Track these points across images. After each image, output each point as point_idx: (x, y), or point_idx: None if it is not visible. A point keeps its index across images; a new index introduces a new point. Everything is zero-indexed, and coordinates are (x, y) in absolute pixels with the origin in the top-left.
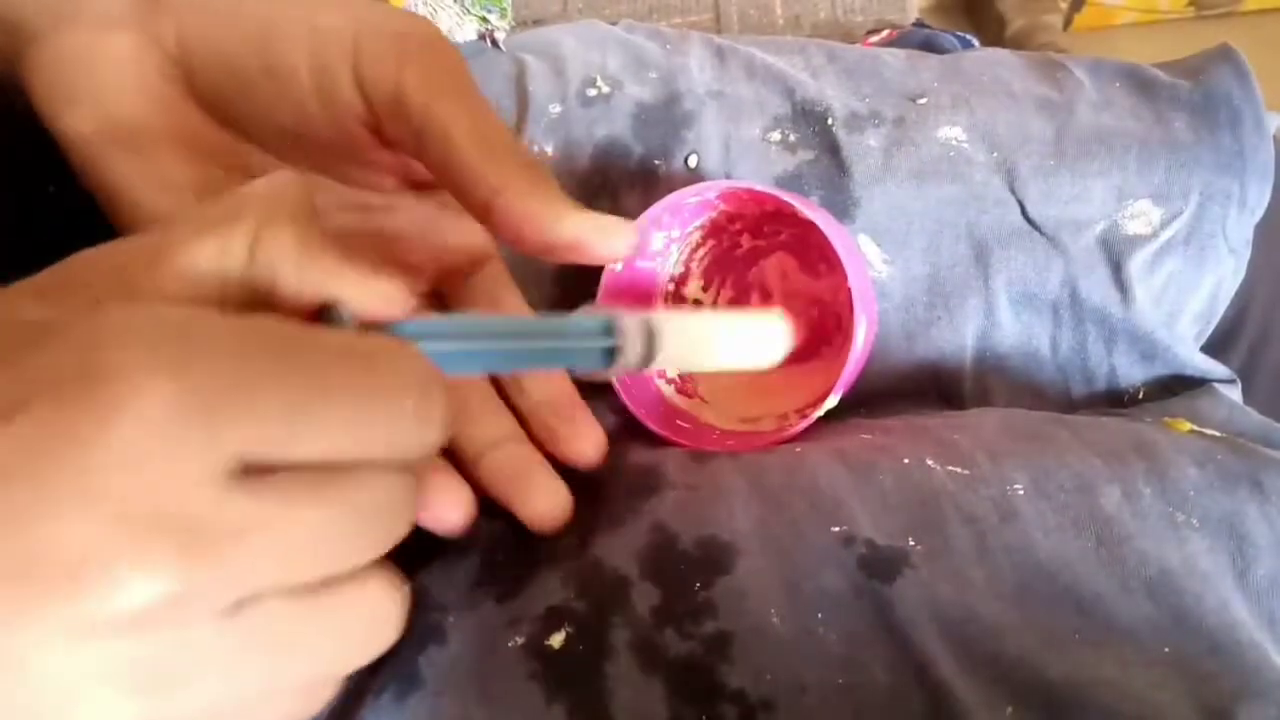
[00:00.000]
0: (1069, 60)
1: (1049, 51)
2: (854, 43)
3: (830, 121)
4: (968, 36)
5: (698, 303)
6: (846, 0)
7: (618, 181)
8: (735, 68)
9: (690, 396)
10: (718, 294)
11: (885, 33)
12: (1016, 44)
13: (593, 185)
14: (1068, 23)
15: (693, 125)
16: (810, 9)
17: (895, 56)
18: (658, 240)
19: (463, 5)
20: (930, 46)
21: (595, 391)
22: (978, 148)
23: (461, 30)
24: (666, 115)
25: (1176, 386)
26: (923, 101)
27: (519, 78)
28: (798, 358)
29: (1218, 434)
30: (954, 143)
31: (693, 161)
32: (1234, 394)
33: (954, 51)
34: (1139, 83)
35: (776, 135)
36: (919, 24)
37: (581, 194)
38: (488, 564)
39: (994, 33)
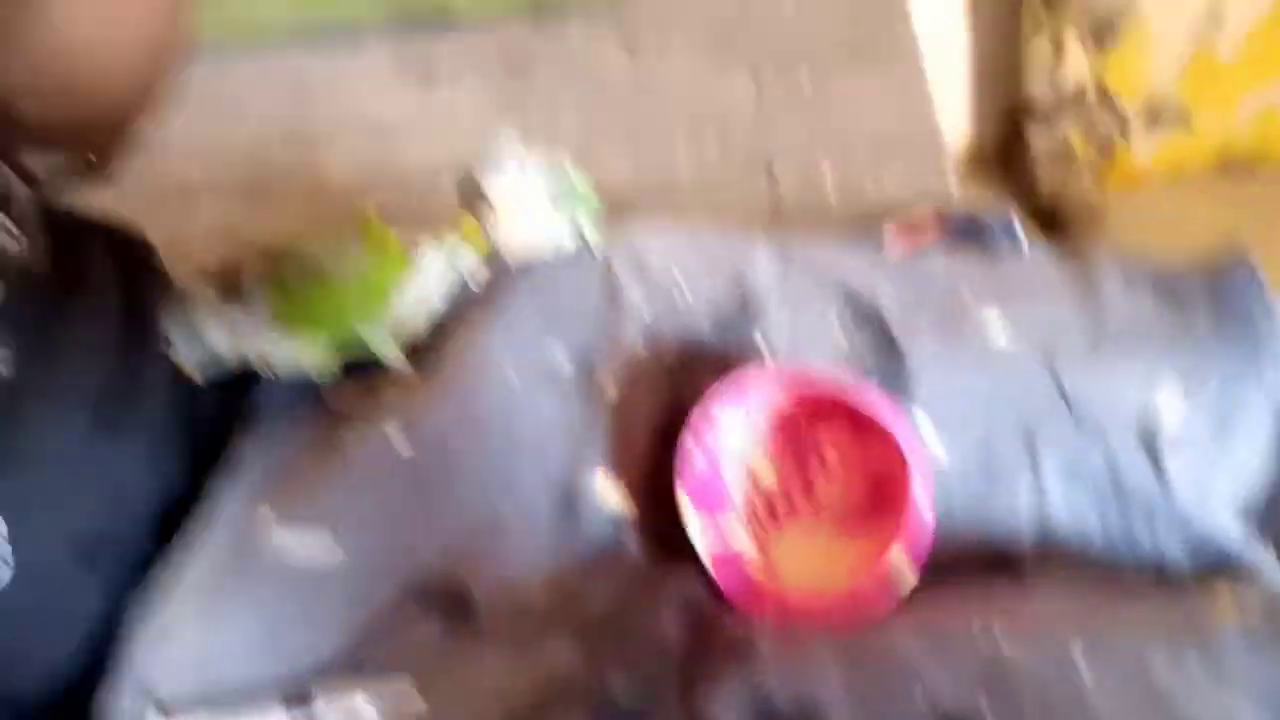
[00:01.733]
0: (1101, 264)
1: (1080, 215)
2: (902, 219)
3: (884, 312)
4: (1010, 220)
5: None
6: (892, 178)
7: (701, 373)
8: (797, 269)
9: (769, 567)
10: (780, 464)
11: (929, 211)
12: (1050, 204)
13: (679, 377)
14: (1098, 182)
15: (762, 320)
16: (858, 189)
17: (940, 255)
18: (727, 417)
19: (555, 205)
20: (973, 226)
21: (683, 560)
22: (1021, 340)
23: (550, 232)
24: (739, 313)
25: (1219, 561)
26: (969, 295)
27: (608, 278)
28: (857, 526)
29: (1260, 605)
30: (999, 335)
31: (763, 349)
32: (1273, 563)
33: (994, 231)
34: (1164, 286)
35: (836, 325)
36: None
37: (669, 383)
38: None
39: (1027, 193)
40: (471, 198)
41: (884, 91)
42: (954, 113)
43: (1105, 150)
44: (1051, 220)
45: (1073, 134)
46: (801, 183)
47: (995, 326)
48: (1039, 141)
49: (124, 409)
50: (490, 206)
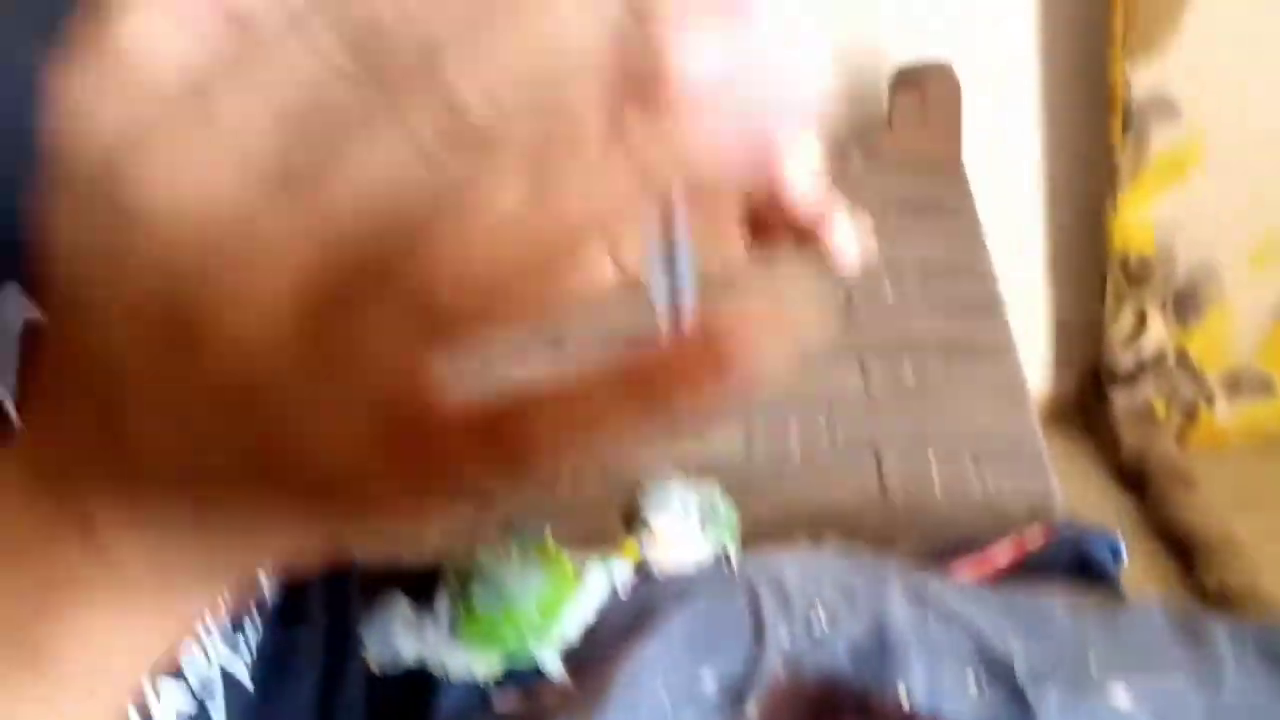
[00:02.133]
0: (1211, 624)
1: (1163, 475)
2: (1006, 534)
3: (1015, 672)
4: (1115, 540)
5: None
6: (997, 483)
7: (841, 708)
8: (932, 615)
9: None
10: None
11: (1041, 531)
12: (1132, 460)
13: (820, 711)
14: (1181, 439)
15: (900, 664)
16: (964, 494)
17: (1062, 609)
18: None
19: (703, 528)
20: (1082, 555)
21: None
22: (1140, 711)
23: (699, 552)
24: (877, 652)
25: None
26: (1091, 661)
27: (753, 604)
28: None
29: None
30: (1123, 701)
31: (903, 697)
32: None
33: (1103, 559)
34: (1274, 654)
35: (971, 679)
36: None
37: (810, 715)
38: None
39: (1110, 452)
40: (633, 520)
41: (984, 387)
42: (1037, 370)
43: (1188, 414)
44: (1135, 478)
45: (1155, 397)
46: (907, 473)
47: (1120, 696)
48: (1121, 402)
49: (334, 713)
50: (650, 530)
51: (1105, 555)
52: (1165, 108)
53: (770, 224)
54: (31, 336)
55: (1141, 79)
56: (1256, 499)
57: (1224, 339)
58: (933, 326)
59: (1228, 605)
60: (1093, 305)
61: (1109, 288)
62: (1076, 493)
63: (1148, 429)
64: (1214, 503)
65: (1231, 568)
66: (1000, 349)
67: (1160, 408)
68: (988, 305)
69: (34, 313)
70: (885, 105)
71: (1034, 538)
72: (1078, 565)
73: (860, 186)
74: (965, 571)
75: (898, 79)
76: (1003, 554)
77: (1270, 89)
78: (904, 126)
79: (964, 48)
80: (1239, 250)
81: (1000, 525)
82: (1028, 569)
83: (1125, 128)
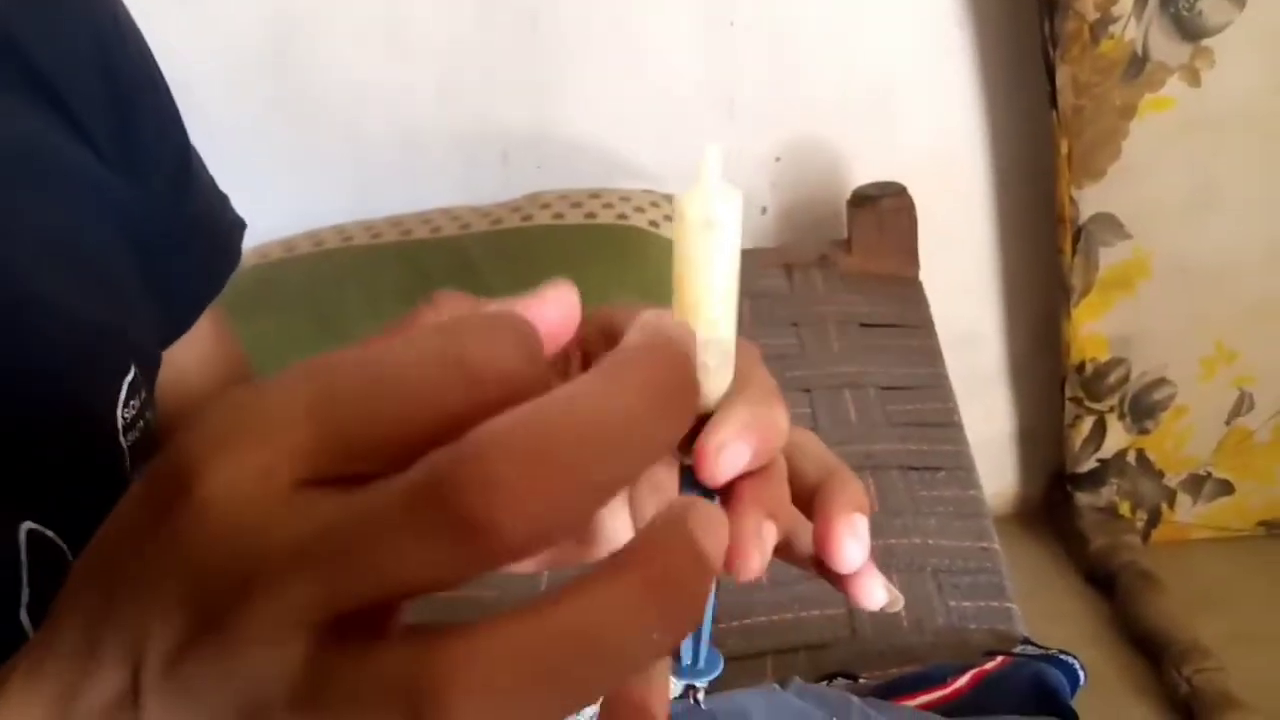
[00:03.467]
0: None
1: (1128, 574)
2: (969, 659)
3: None
4: (1074, 663)
5: None
6: (960, 608)
7: None
8: None
9: None
10: None
11: (999, 659)
12: (1099, 561)
13: None
14: (1145, 537)
15: None
16: (930, 614)
17: None
18: None
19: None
20: (1040, 680)
21: None
22: None
23: (674, 687)
24: None
25: None
26: None
27: None
28: None
29: None
30: None
31: None
32: None
33: (1058, 686)
34: None
35: None
36: (1026, 641)
37: None
38: None
39: (1078, 550)
40: None
41: (945, 506)
42: (1003, 475)
43: (1151, 514)
44: (1102, 578)
45: (1118, 498)
46: None
47: None
48: (1085, 503)
49: None
50: None
51: (1060, 682)
52: (1112, 226)
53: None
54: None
55: (1088, 200)
56: (1221, 598)
57: (1181, 443)
58: (893, 446)
59: (1198, 707)
60: (1054, 411)
61: (1067, 395)
62: (1046, 594)
63: (1113, 529)
64: (1180, 603)
65: (1199, 669)
66: (960, 467)
67: (1124, 508)
68: (946, 424)
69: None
70: (845, 228)
71: (994, 664)
72: (1035, 689)
73: (822, 305)
74: (927, 698)
75: (854, 200)
76: (963, 681)
77: (1207, 208)
78: (862, 247)
79: (920, 173)
80: (1189, 358)
81: (962, 650)
82: (987, 689)
83: (1075, 245)
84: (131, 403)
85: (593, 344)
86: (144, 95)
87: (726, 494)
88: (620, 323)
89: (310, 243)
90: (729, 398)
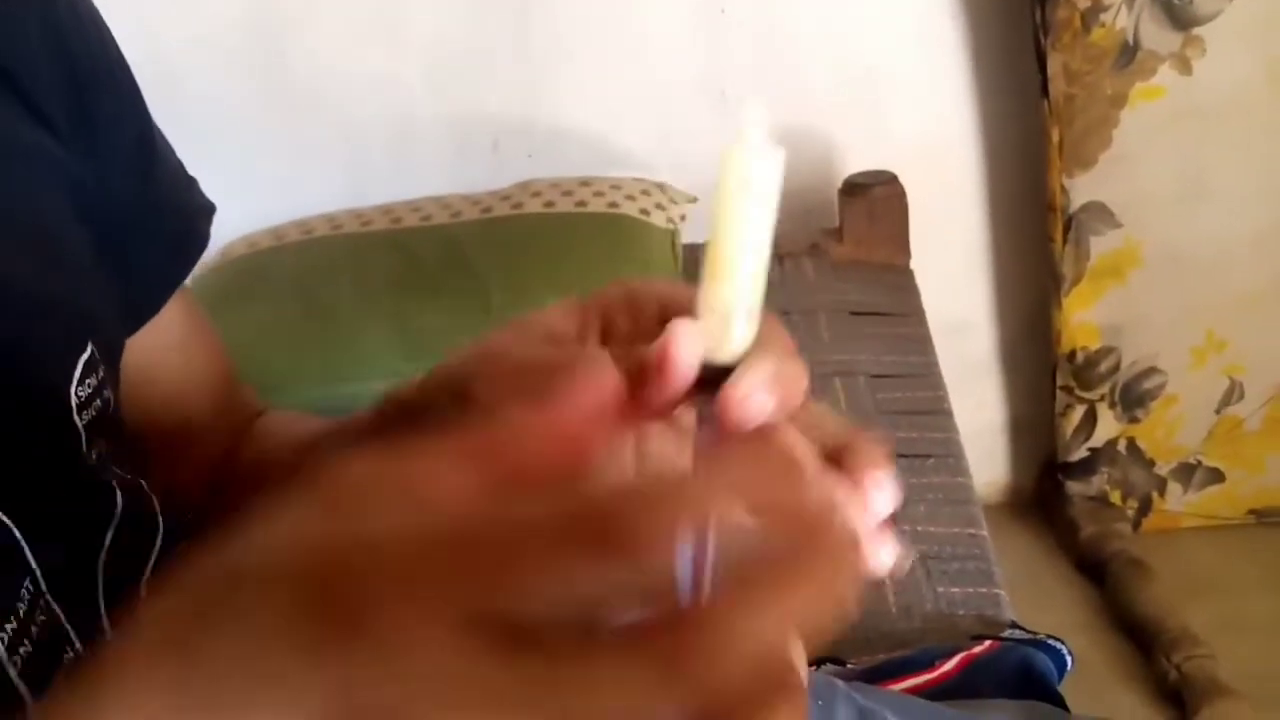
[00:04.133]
0: None
1: (1119, 562)
2: (958, 641)
3: None
4: (1061, 648)
5: None
6: (948, 594)
7: None
8: None
9: None
10: None
11: (987, 643)
12: (1090, 549)
13: None
14: (1136, 525)
15: None
16: (919, 600)
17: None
18: None
19: None
20: (1027, 665)
21: None
22: None
23: None
24: None
25: None
26: None
27: None
28: None
29: None
30: None
31: None
32: None
33: (1045, 670)
34: None
35: None
36: (1014, 625)
37: None
38: None
39: (1069, 538)
40: None
41: (934, 493)
42: (994, 464)
43: (1142, 502)
44: (1093, 566)
45: (1109, 487)
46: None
47: None
48: (1076, 492)
49: None
50: None
51: (1048, 666)
52: (1103, 215)
53: None
54: None
55: (1079, 189)
56: (1211, 586)
57: (1171, 431)
58: (883, 434)
59: (1187, 694)
60: (1045, 400)
61: (1058, 384)
62: (1038, 582)
63: (1104, 518)
64: (1170, 590)
65: (1188, 656)
66: (949, 454)
67: (1115, 497)
68: (936, 411)
69: None
70: (837, 217)
71: (982, 648)
72: (1022, 673)
73: (813, 294)
74: (914, 681)
75: (846, 189)
76: (951, 665)
77: (1198, 197)
78: (853, 235)
79: (911, 162)
80: (1180, 347)
81: (950, 635)
82: (974, 672)
83: (1066, 234)
84: (87, 381)
85: (614, 314)
86: (103, 79)
87: None
88: (641, 296)
89: (300, 231)
90: (757, 347)
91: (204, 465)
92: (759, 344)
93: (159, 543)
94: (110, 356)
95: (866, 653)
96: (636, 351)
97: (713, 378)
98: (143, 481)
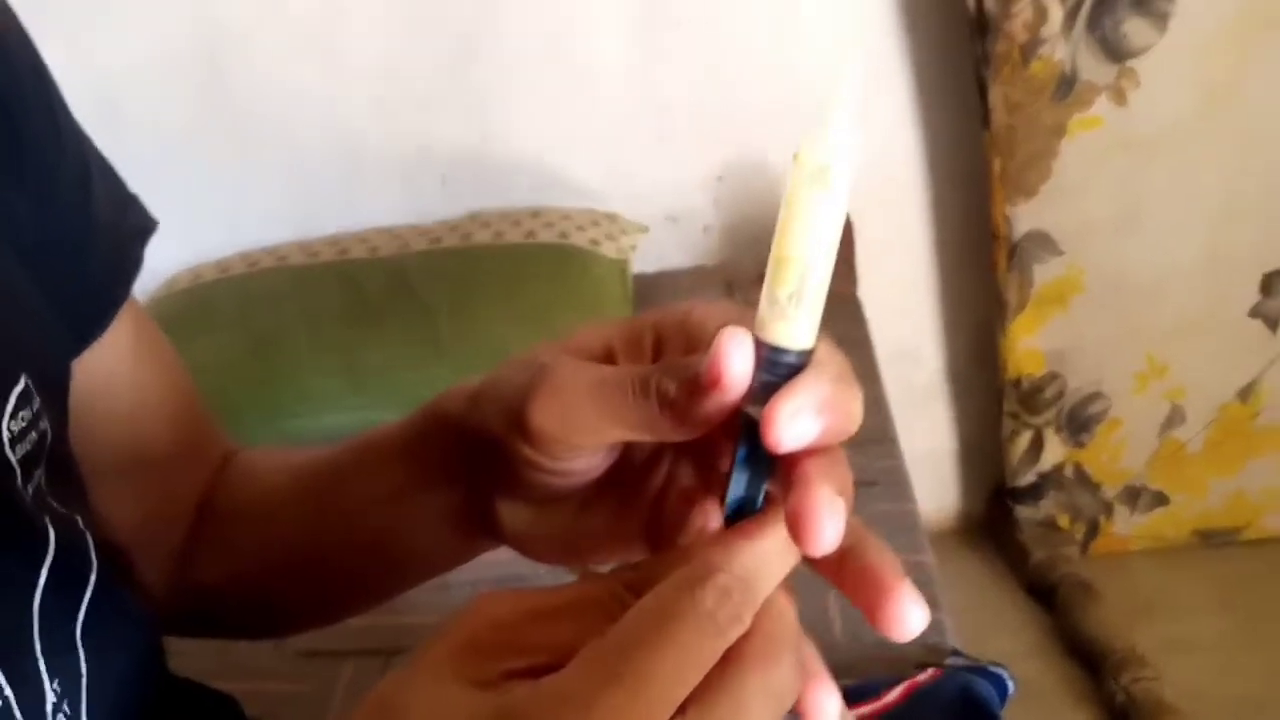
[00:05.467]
0: None
1: (1068, 586)
2: (901, 671)
3: None
4: (1003, 674)
5: None
6: None
7: None
8: None
9: None
10: None
11: (929, 671)
12: (1039, 573)
13: None
14: (1084, 549)
15: None
16: (865, 628)
17: None
18: None
19: None
20: (969, 691)
21: None
22: None
23: None
24: None
25: None
26: None
27: None
28: None
29: None
30: None
31: None
32: None
33: (986, 697)
34: None
35: None
36: (956, 653)
37: None
38: None
39: (1019, 563)
40: None
41: (880, 520)
42: (946, 490)
43: (1090, 526)
44: (1043, 591)
45: (1057, 512)
46: (807, 611)
47: None
48: (1025, 517)
49: None
50: None
51: (989, 693)
52: (1045, 243)
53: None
54: None
55: (1021, 218)
56: (1158, 607)
57: (1116, 455)
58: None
59: (1134, 715)
60: (993, 426)
61: (1005, 409)
62: (990, 607)
63: (1053, 542)
64: (1118, 613)
65: (1136, 678)
66: (895, 481)
67: (1063, 521)
68: (881, 439)
69: None
70: None
71: (925, 676)
72: (964, 700)
73: None
74: (860, 711)
75: None
76: (894, 694)
77: (1136, 225)
78: None
79: (857, 190)
80: (1122, 372)
81: (895, 663)
82: (918, 700)
83: (1009, 262)
84: (21, 414)
85: (668, 333)
86: (32, 106)
87: (786, 468)
88: (697, 323)
89: (244, 263)
90: (811, 367)
91: (183, 506)
92: (820, 358)
93: (93, 580)
94: (49, 387)
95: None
96: (690, 361)
97: (768, 386)
98: (78, 517)
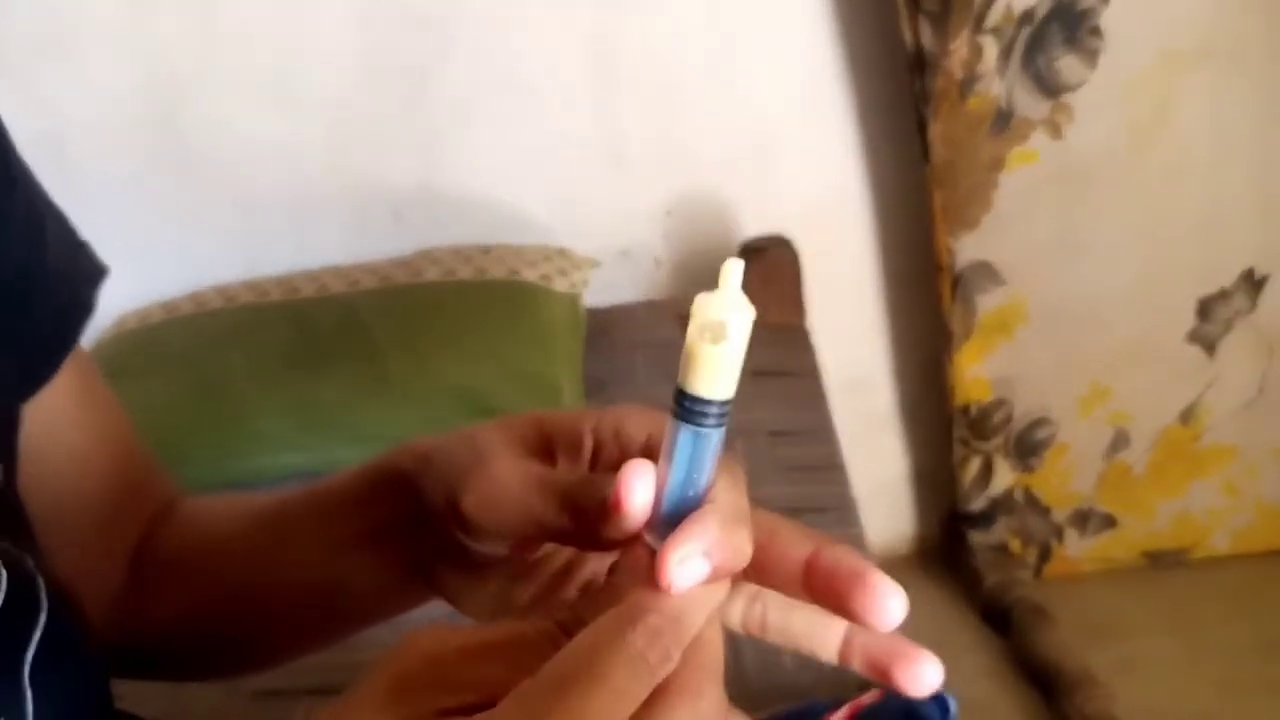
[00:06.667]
0: None
1: (1022, 609)
2: (847, 692)
3: None
4: (945, 695)
5: None
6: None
7: None
8: None
9: None
10: None
11: (873, 692)
12: (993, 597)
13: None
14: (1037, 572)
15: None
16: (775, 663)
17: None
18: None
19: None
20: (911, 712)
21: None
22: None
23: None
24: None
25: None
26: None
27: None
28: None
29: None
30: None
31: None
32: None
33: (928, 716)
34: None
35: None
36: None
37: None
38: None
39: (973, 587)
40: None
41: None
42: (900, 517)
43: (1041, 549)
44: (997, 614)
45: (1008, 536)
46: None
47: None
48: (978, 542)
49: None
50: None
51: (932, 714)
52: (988, 273)
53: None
54: None
55: (964, 249)
56: (1110, 628)
57: (1065, 479)
58: (780, 490)
59: None
60: (944, 453)
61: (955, 436)
62: (945, 633)
63: (1006, 566)
64: (1071, 635)
65: (1089, 698)
66: (842, 507)
67: (1015, 545)
68: (830, 466)
69: None
70: None
71: (869, 697)
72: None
73: None
74: None
75: (741, 252)
76: (838, 716)
77: (1075, 254)
78: (750, 297)
79: (804, 224)
80: (1067, 398)
81: (841, 685)
82: None
83: (954, 292)
84: None
85: (604, 439)
86: None
87: None
88: (629, 436)
89: (193, 304)
90: (703, 510)
91: (121, 550)
92: (707, 504)
93: (43, 620)
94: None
95: (762, 706)
96: (603, 484)
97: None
98: (28, 557)
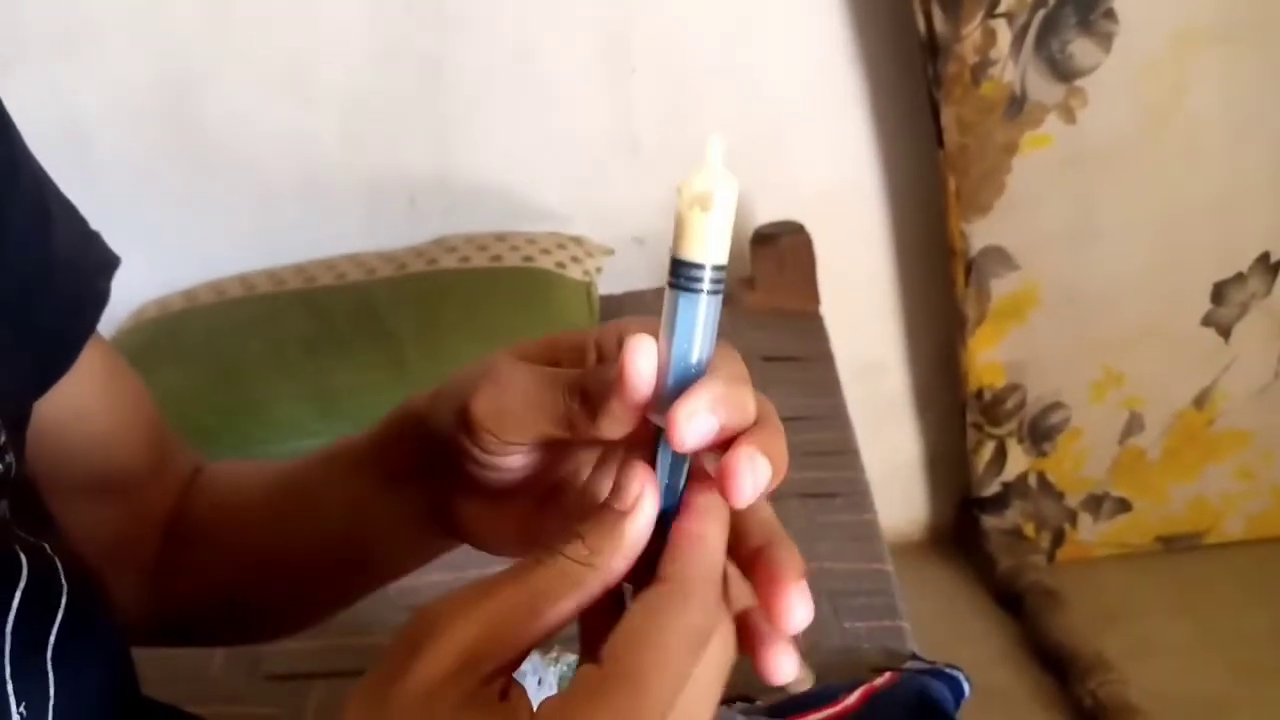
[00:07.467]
0: None
1: (1035, 592)
2: (860, 674)
3: None
4: (958, 676)
5: None
6: (854, 629)
7: None
8: None
9: None
10: None
11: (887, 675)
12: (1006, 581)
13: None
14: (1050, 557)
15: None
16: (825, 635)
17: None
18: None
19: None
20: (925, 694)
21: None
22: None
23: None
24: None
25: None
26: None
27: None
28: None
29: None
30: None
31: None
32: None
33: (941, 699)
34: None
35: None
36: (914, 656)
37: None
38: None
39: (986, 571)
40: None
41: (841, 531)
42: (913, 502)
43: (1055, 533)
44: (1010, 598)
45: (1022, 520)
46: None
47: None
48: (991, 526)
49: None
50: None
51: (944, 694)
52: (1001, 258)
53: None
54: None
55: (977, 234)
56: (1123, 612)
57: (1078, 464)
58: (792, 474)
59: (1102, 718)
60: (957, 438)
61: (969, 421)
62: (958, 616)
63: (1019, 550)
64: (1084, 618)
65: (1102, 682)
66: (855, 492)
67: (1029, 529)
68: (843, 451)
69: None
70: (749, 267)
71: (882, 681)
72: (920, 702)
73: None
74: (818, 716)
75: (755, 239)
76: (853, 698)
77: (1088, 238)
78: (764, 284)
79: (818, 211)
80: (1080, 382)
81: (854, 668)
82: (875, 704)
83: (967, 277)
84: None
85: (606, 347)
86: None
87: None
88: (610, 331)
89: (212, 292)
90: (707, 374)
91: (153, 524)
92: (710, 369)
93: (65, 605)
94: (12, 420)
95: (774, 691)
96: (601, 369)
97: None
98: (46, 545)
